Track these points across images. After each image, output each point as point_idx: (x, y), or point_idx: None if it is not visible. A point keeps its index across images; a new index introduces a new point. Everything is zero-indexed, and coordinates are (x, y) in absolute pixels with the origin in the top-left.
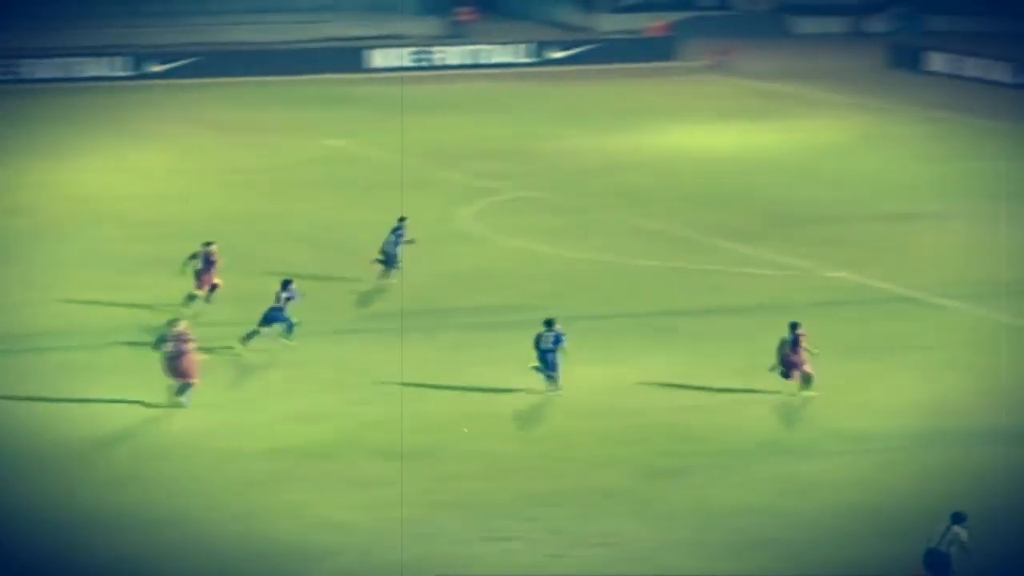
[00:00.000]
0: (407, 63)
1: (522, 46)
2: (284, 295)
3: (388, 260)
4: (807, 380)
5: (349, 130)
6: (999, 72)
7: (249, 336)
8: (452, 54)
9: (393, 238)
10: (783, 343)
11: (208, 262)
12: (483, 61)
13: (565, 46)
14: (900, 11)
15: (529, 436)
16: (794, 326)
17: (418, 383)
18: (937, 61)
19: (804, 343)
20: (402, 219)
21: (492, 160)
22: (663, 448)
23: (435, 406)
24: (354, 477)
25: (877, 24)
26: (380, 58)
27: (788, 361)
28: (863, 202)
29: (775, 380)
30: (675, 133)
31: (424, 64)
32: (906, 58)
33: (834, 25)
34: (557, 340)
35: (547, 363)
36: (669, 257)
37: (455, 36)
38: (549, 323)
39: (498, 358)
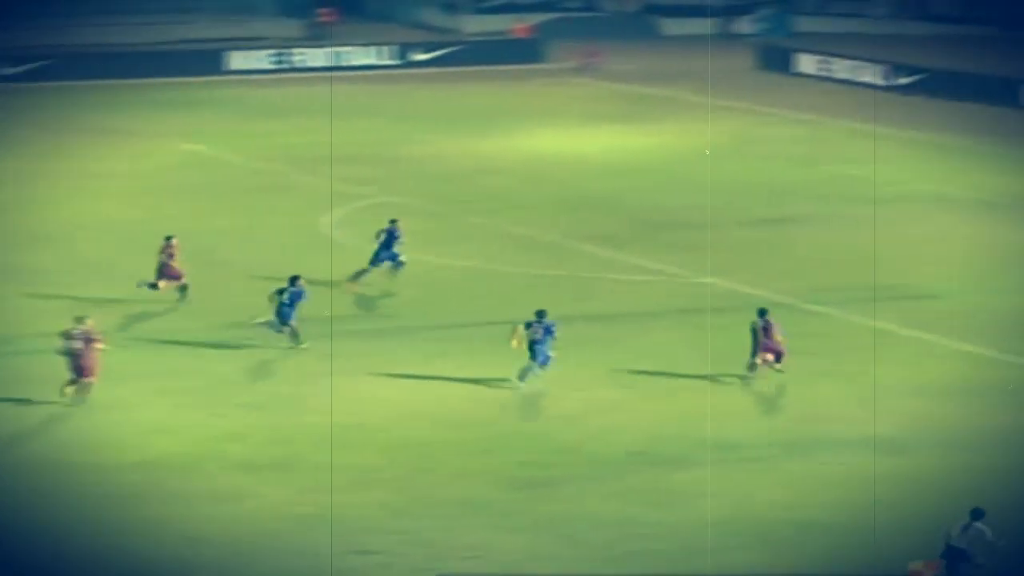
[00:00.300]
0: (267, 65)
1: (385, 48)
2: (292, 290)
3: (395, 262)
4: (779, 358)
5: (208, 134)
6: (870, 74)
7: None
8: (313, 56)
9: (385, 240)
10: (755, 330)
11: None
12: (345, 63)
13: (429, 48)
14: (768, 12)
15: (394, 446)
16: (763, 312)
17: (281, 394)
18: (806, 63)
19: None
20: (393, 221)
21: (355, 165)
22: (531, 458)
23: (297, 417)
24: (213, 491)
25: (745, 26)
26: (239, 60)
27: (765, 347)
28: (732, 207)
29: (645, 387)
30: (542, 136)
31: (285, 66)
32: (775, 60)
33: (702, 27)
34: (548, 331)
35: (535, 355)
36: (536, 263)
37: (316, 38)
38: (540, 314)
39: (361, 368)
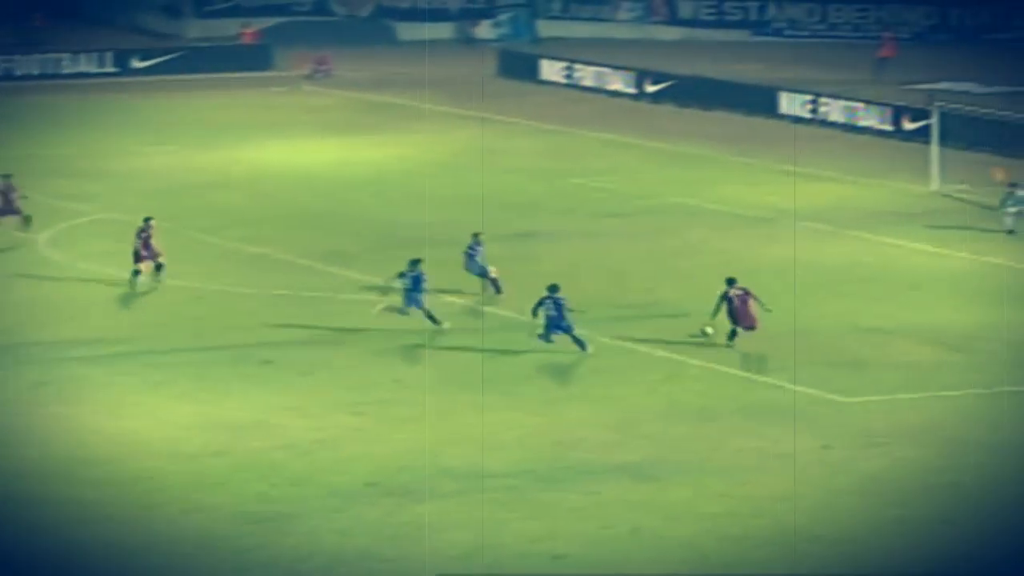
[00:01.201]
0: None
1: (102, 54)
2: (410, 275)
3: (483, 275)
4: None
5: None
6: (619, 81)
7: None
8: (25, 63)
9: (471, 254)
10: (728, 299)
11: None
12: (60, 71)
13: (148, 55)
14: (510, 16)
15: (117, 480)
16: (731, 282)
17: None
18: (551, 70)
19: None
20: (477, 234)
21: (71, 180)
22: (262, 491)
23: (12, 450)
24: None
25: (486, 31)
26: None
27: (738, 316)
28: (473, 221)
29: (383, 414)
30: (271, 149)
31: None
32: (518, 66)
33: (441, 31)
34: (559, 306)
35: (555, 329)
36: (268, 283)
37: (28, 44)
38: (553, 288)
39: (84, 397)
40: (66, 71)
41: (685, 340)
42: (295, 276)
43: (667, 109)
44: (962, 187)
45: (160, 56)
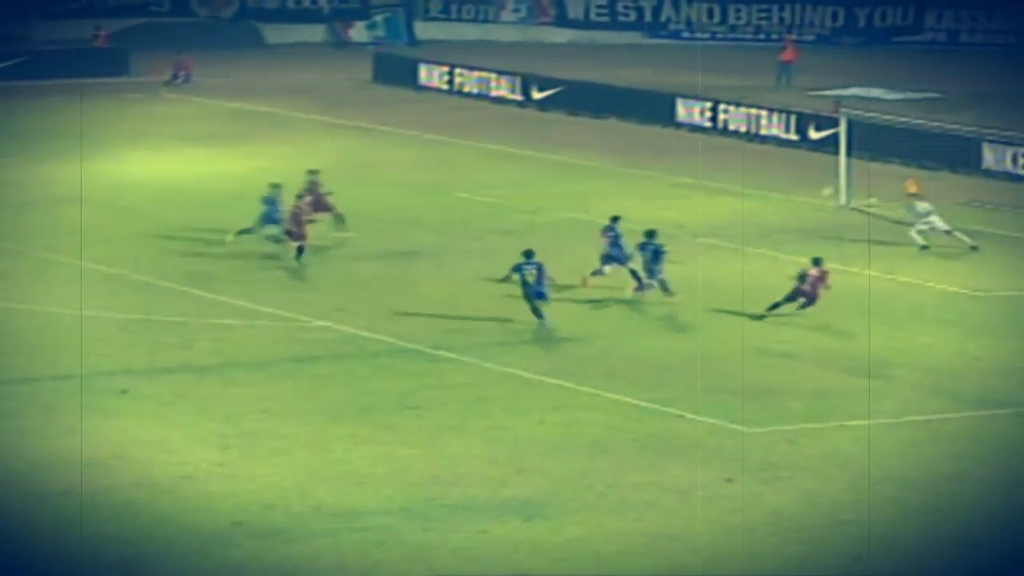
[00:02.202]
0: None
1: None
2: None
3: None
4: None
5: None
6: (504, 87)
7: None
8: None
9: (610, 240)
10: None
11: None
12: None
13: None
14: (385, 18)
15: None
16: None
17: None
18: (431, 75)
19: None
20: (615, 218)
21: None
22: (119, 533)
23: None
24: None
25: (360, 33)
26: None
27: (801, 291)
28: (348, 240)
29: (250, 447)
30: (128, 161)
31: None
32: (396, 72)
33: (311, 33)
34: (540, 270)
35: (538, 296)
36: (126, 307)
37: None
38: (528, 254)
39: None
40: None
41: (578, 365)
42: (153, 298)
43: (556, 117)
44: (871, 201)
45: (4, 60)
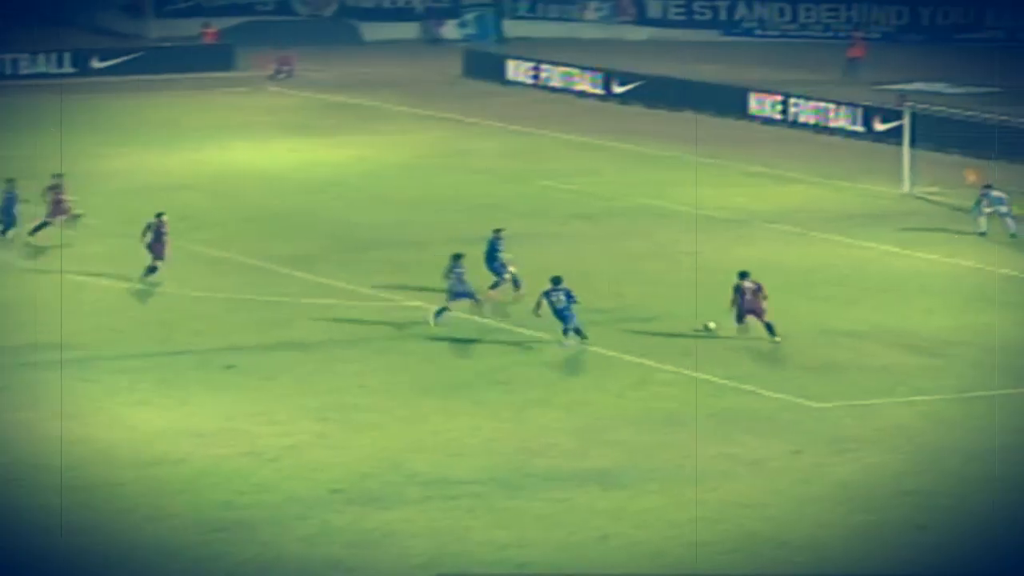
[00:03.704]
0: None
1: (61, 55)
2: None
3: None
4: (770, 328)
5: None
6: (586, 82)
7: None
8: None
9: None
10: (736, 291)
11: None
12: (18, 72)
13: (109, 55)
14: (475, 16)
15: (79, 487)
16: (743, 275)
17: None
18: (518, 70)
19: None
20: (498, 231)
21: (29, 181)
22: (226, 499)
23: None
24: None
25: (452, 31)
26: None
27: (748, 309)
28: (440, 223)
29: (348, 420)
30: (234, 150)
31: None
32: (485, 67)
33: (406, 31)
34: (569, 297)
35: (565, 320)
36: (231, 287)
37: None
38: (556, 280)
39: (44, 402)
40: (24, 72)
41: (655, 344)
42: (258, 279)
43: (635, 110)
44: (934, 189)
45: (120, 56)
